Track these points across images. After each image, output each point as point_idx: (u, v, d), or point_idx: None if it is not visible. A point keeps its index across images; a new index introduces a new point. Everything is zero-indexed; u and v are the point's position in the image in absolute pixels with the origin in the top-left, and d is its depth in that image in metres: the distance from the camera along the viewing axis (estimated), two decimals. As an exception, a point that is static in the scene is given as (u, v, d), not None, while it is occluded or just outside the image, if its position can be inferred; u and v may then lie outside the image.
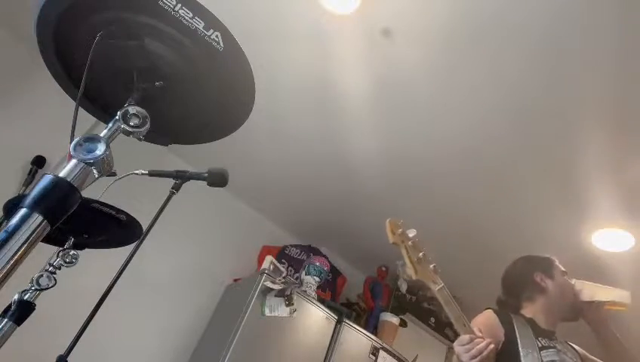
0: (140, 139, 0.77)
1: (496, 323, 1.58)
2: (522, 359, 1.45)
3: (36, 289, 1.25)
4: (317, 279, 2.93)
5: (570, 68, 1.83)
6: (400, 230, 1.43)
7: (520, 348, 1.48)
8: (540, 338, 1.56)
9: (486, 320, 1.62)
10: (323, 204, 3.20)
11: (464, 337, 1.23)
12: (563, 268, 1.75)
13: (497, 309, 1.67)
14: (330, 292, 3.28)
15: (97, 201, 1.30)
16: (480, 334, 1.24)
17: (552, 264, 1.77)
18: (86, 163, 0.65)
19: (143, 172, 1.49)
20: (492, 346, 1.21)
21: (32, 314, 1.25)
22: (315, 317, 2.77)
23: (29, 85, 2.63)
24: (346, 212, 3.18)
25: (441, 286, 1.29)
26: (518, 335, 1.52)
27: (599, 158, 2.14)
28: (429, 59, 2.00)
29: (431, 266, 1.32)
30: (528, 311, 1.66)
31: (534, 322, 1.63)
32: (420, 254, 1.35)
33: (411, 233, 1.41)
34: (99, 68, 0.77)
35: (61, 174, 0.64)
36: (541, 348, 1.52)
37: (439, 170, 2.55)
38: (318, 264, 3.01)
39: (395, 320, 3.17)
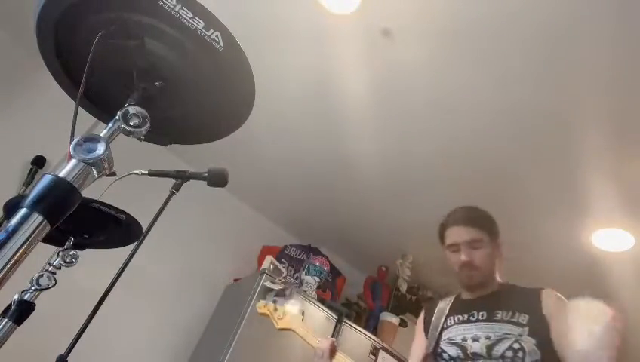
0: (140, 139, 0.77)
1: (420, 319, 1.67)
2: (425, 347, 1.54)
3: (36, 289, 1.25)
4: (317, 279, 2.93)
5: (571, 68, 1.83)
6: (264, 305, 1.87)
7: (428, 338, 1.55)
8: (450, 317, 1.53)
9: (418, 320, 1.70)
10: (323, 204, 3.20)
11: (316, 349, 1.65)
12: (448, 243, 1.59)
13: (430, 302, 1.69)
14: (330, 292, 3.28)
15: (97, 201, 1.30)
16: (319, 343, 1.65)
17: (443, 237, 1.63)
18: (86, 163, 0.65)
19: (143, 172, 1.49)
20: (332, 342, 1.63)
21: (32, 314, 1.25)
22: (315, 317, 2.77)
23: (29, 85, 2.63)
24: (346, 212, 3.18)
25: (299, 323, 1.77)
26: (431, 324, 1.57)
27: (599, 158, 2.14)
28: (428, 59, 2.00)
29: (288, 316, 1.80)
30: None
31: (458, 296, 1.61)
32: (281, 313, 1.82)
33: (272, 303, 1.86)
34: (99, 68, 0.77)
35: (61, 174, 0.63)
36: (444, 328, 1.51)
37: (439, 171, 2.55)
38: (318, 264, 3.01)
39: (395, 320, 3.17)
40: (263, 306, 1.84)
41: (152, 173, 1.51)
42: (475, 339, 1.40)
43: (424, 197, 2.77)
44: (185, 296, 2.95)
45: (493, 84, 2.00)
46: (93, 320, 1.35)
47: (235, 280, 3.09)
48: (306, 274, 2.96)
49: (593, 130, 2.03)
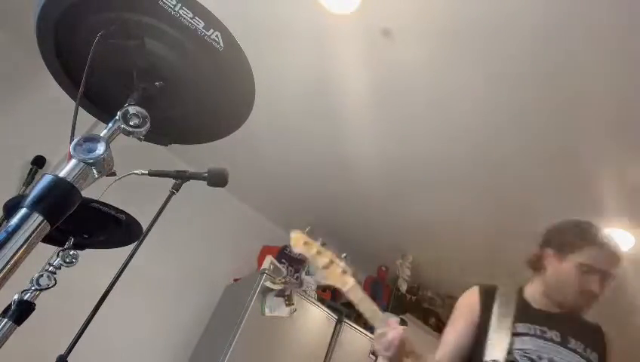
0: (140, 139, 0.77)
1: (474, 302, 1.48)
2: (487, 345, 1.35)
3: (36, 289, 1.25)
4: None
5: (571, 67, 1.83)
6: (304, 240, 1.44)
7: (490, 333, 1.38)
8: (521, 323, 1.39)
9: (463, 300, 1.54)
10: (323, 204, 3.20)
11: (376, 332, 1.23)
12: (590, 262, 1.38)
13: (487, 285, 1.52)
14: (330, 292, 3.27)
15: (97, 201, 1.30)
16: (393, 326, 1.21)
17: (577, 247, 1.42)
18: (86, 163, 0.65)
19: (143, 172, 1.49)
20: (400, 334, 1.19)
21: (32, 314, 1.25)
22: (315, 317, 2.77)
23: (29, 85, 2.63)
24: (346, 212, 3.18)
25: (350, 286, 1.27)
26: (493, 317, 1.41)
27: (600, 158, 2.14)
28: (428, 59, 2.00)
29: (339, 270, 1.32)
30: (529, 287, 1.50)
31: (527, 302, 1.46)
32: (327, 260, 1.35)
33: (317, 242, 1.42)
34: (99, 68, 0.77)
35: (61, 174, 0.63)
36: (516, 334, 1.36)
37: (439, 171, 2.55)
38: (318, 264, 3.00)
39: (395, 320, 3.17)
40: (300, 238, 1.43)
41: (152, 173, 1.51)
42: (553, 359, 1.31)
43: (424, 197, 2.77)
44: (185, 295, 2.95)
45: (493, 84, 2.00)
46: (93, 320, 1.35)
47: (235, 280, 3.09)
48: (306, 274, 2.96)
49: (594, 130, 2.03)
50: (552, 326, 1.36)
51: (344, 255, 1.39)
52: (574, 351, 1.31)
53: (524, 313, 1.41)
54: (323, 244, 1.39)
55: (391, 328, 1.20)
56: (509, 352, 1.33)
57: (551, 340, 1.34)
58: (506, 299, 1.46)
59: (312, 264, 1.36)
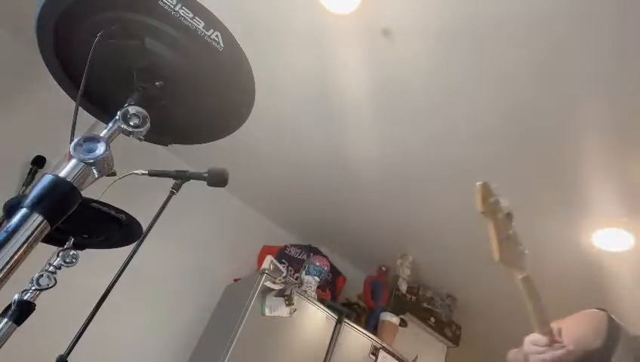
0: (140, 139, 0.77)
1: (599, 327, 1.25)
2: None
3: (36, 289, 1.25)
4: (317, 279, 2.93)
5: (571, 67, 1.83)
6: (493, 198, 1.12)
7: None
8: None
9: (591, 321, 1.29)
10: (323, 204, 3.20)
11: (542, 338, 1.02)
12: None
13: (612, 317, 1.30)
14: (330, 292, 3.28)
15: (97, 201, 1.30)
16: (560, 339, 1.02)
17: None
18: (86, 163, 0.65)
19: (143, 172, 1.49)
20: (570, 356, 0.99)
21: (32, 314, 1.25)
22: (315, 317, 2.77)
23: (29, 85, 2.63)
24: (346, 212, 3.18)
25: (526, 274, 1.08)
26: (616, 355, 1.19)
27: (599, 158, 2.14)
28: (429, 59, 2.00)
29: (520, 248, 1.10)
30: None
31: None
32: (510, 231, 1.09)
33: (505, 203, 1.12)
34: (99, 68, 0.77)
35: (61, 174, 0.63)
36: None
37: (439, 170, 2.55)
38: (318, 264, 3.01)
39: (395, 320, 3.17)
40: (488, 193, 1.09)
41: (152, 173, 1.51)
42: None
43: (424, 197, 2.77)
44: (185, 295, 2.95)
45: (492, 84, 2.00)
46: (93, 320, 1.35)
47: (235, 280, 3.09)
48: (306, 274, 2.96)
49: (593, 129, 2.03)
50: None
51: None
52: None
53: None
54: (510, 212, 1.10)
55: (553, 344, 1.01)
56: None
57: None
58: (630, 341, 1.25)
59: (493, 231, 1.07)
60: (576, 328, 1.21)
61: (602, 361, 1.17)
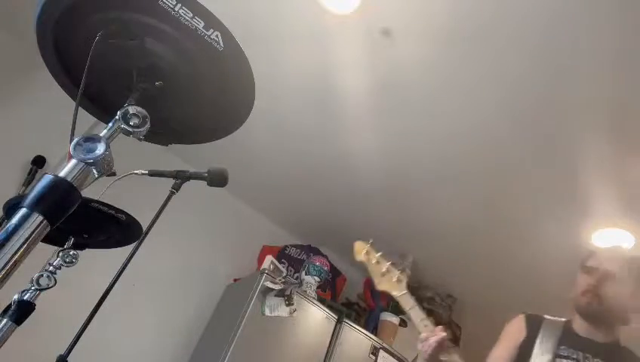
0: (140, 139, 0.77)
1: (519, 326, 1.56)
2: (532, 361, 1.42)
3: (36, 289, 1.25)
4: (317, 279, 2.93)
5: (571, 67, 1.83)
6: (365, 250, 1.59)
7: (534, 350, 1.44)
8: (564, 346, 1.41)
9: (509, 326, 1.63)
10: (323, 204, 3.19)
11: (421, 335, 1.35)
12: (589, 264, 1.48)
13: (533, 314, 1.58)
14: (330, 292, 3.28)
15: (97, 201, 1.30)
16: (436, 331, 1.34)
17: (586, 257, 1.53)
18: (86, 163, 0.65)
19: (143, 172, 1.49)
20: (441, 338, 1.30)
21: (32, 314, 1.25)
22: (315, 317, 2.77)
23: (29, 85, 2.63)
24: (346, 212, 3.18)
25: (403, 293, 1.47)
26: (539, 338, 1.46)
27: (599, 158, 2.14)
28: (429, 59, 2.00)
29: (394, 278, 1.50)
30: (578, 319, 1.50)
31: (570, 327, 1.48)
32: (384, 268, 1.51)
33: (377, 253, 1.57)
34: (99, 68, 0.77)
35: (61, 174, 0.63)
36: (558, 356, 1.40)
37: (439, 170, 2.55)
38: (318, 264, 3.01)
39: (395, 320, 3.17)
40: (362, 248, 1.56)
41: (152, 173, 1.51)
42: None
43: (424, 197, 2.77)
44: (185, 295, 2.95)
45: (492, 84, 2.00)
46: (93, 320, 1.35)
47: (235, 280, 3.09)
48: (306, 274, 2.96)
49: (594, 129, 2.03)
50: (596, 354, 1.37)
51: (401, 268, 1.60)
52: None
53: (569, 338, 1.44)
54: (382, 255, 1.55)
55: (434, 334, 1.32)
56: None
57: None
58: (553, 325, 1.52)
59: (371, 272, 1.53)
60: (505, 330, 1.58)
61: (530, 346, 1.46)
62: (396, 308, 3.31)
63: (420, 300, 3.46)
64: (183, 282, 2.96)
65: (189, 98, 0.88)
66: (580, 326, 1.47)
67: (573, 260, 2.73)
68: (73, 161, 0.65)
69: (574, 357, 1.39)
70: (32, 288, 1.25)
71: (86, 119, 0.91)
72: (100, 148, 0.67)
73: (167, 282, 2.89)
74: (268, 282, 2.62)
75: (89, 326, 1.34)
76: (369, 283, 3.42)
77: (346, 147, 2.63)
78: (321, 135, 2.60)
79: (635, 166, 2.11)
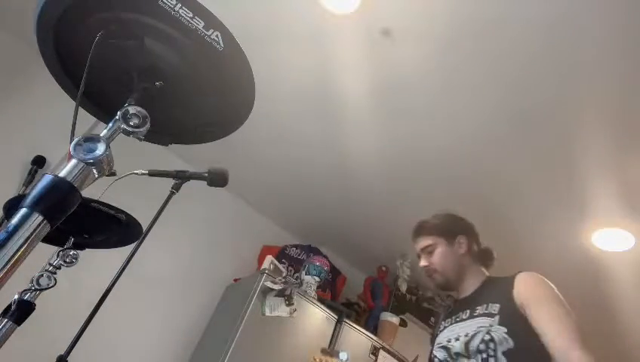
0: (140, 139, 0.77)
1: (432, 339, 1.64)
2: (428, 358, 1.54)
3: (36, 289, 1.25)
4: (317, 279, 2.93)
5: (571, 68, 1.83)
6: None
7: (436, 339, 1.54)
8: (442, 322, 1.53)
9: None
10: (323, 204, 3.19)
11: None
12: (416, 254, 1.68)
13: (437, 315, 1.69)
14: (330, 292, 3.27)
15: (97, 201, 1.30)
16: None
17: None
18: (86, 163, 0.65)
19: (143, 172, 1.49)
20: None
21: (32, 314, 1.25)
22: (315, 317, 2.77)
23: (29, 85, 2.63)
24: (346, 212, 3.18)
25: None
26: (436, 332, 1.57)
27: (599, 158, 2.14)
28: (429, 60, 2.00)
29: None
30: None
31: (455, 299, 1.58)
32: None
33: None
34: (99, 68, 0.77)
35: (61, 174, 0.63)
36: (436, 336, 1.53)
37: (439, 170, 2.55)
38: (318, 264, 3.00)
39: (395, 320, 3.17)
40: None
41: (152, 173, 1.51)
42: (457, 339, 1.39)
43: (424, 197, 2.77)
44: (185, 296, 2.95)
45: (492, 84, 2.00)
46: (93, 320, 1.35)
47: (235, 280, 3.09)
48: (306, 274, 2.96)
49: (593, 129, 2.03)
50: (464, 307, 1.47)
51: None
52: (478, 315, 1.38)
53: (448, 312, 1.56)
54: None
55: None
56: (431, 352, 1.51)
57: (461, 320, 1.43)
58: (443, 312, 1.62)
59: None
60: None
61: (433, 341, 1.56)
62: (396, 308, 3.31)
63: (420, 300, 3.48)
64: (183, 282, 2.96)
65: (189, 98, 0.88)
66: (458, 293, 1.58)
67: (573, 260, 2.74)
68: (73, 161, 0.65)
69: (448, 324, 1.51)
70: (32, 288, 1.25)
71: (86, 119, 0.91)
72: (100, 148, 0.67)
73: (167, 282, 2.89)
74: (268, 282, 2.62)
75: (89, 326, 1.35)
76: (369, 283, 3.42)
77: (346, 147, 2.63)
78: (321, 135, 2.60)
79: (636, 166, 2.11)
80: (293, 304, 2.63)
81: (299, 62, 2.21)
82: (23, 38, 2.61)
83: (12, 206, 1.31)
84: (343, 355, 1.59)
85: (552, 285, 1.39)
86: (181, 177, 1.58)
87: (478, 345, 1.30)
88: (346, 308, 3.09)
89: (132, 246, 1.48)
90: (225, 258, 3.20)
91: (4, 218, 1.49)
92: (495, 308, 1.35)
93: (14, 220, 0.58)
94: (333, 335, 2.79)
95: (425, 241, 1.62)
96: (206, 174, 1.58)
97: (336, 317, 2.85)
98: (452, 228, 1.62)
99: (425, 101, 2.19)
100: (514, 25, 1.76)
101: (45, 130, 2.59)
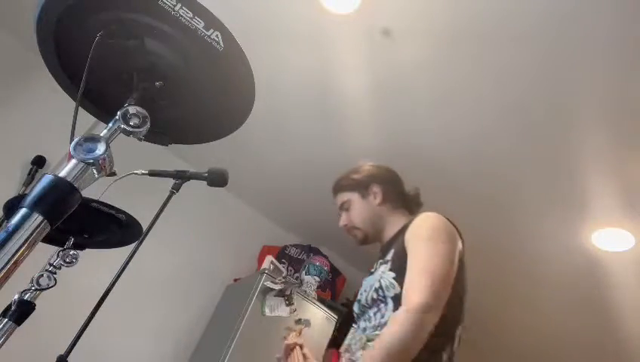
0: (140, 139, 0.77)
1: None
2: None
3: (36, 289, 1.25)
4: (317, 279, 2.93)
5: (571, 67, 1.83)
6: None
7: None
8: (368, 271, 1.46)
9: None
10: (323, 204, 3.18)
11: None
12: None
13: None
14: (330, 292, 3.27)
15: (97, 201, 1.30)
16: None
17: None
18: (86, 163, 0.65)
19: (143, 172, 1.49)
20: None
21: (32, 314, 1.25)
22: (315, 317, 2.77)
23: (29, 85, 2.63)
24: (346, 212, 3.17)
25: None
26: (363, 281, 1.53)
27: (599, 158, 2.14)
28: (429, 59, 2.00)
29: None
30: None
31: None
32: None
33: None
34: (99, 68, 0.77)
35: (61, 174, 0.63)
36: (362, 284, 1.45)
37: (439, 170, 2.55)
38: (318, 264, 3.01)
39: (395, 320, 3.16)
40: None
41: (152, 173, 1.51)
42: (365, 290, 1.35)
43: (424, 197, 2.76)
44: (185, 295, 2.95)
45: (492, 83, 2.00)
46: (93, 320, 1.35)
47: (235, 280, 3.09)
48: (306, 274, 2.96)
49: (593, 128, 2.03)
50: (379, 256, 1.42)
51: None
52: (381, 264, 1.33)
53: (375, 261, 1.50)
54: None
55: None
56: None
57: (371, 273, 1.38)
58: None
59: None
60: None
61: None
62: (396, 308, 3.31)
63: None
64: (183, 282, 2.96)
65: (189, 98, 0.88)
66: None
67: (573, 260, 2.74)
68: (73, 161, 0.65)
69: (366, 276, 1.44)
70: (32, 288, 1.25)
71: (86, 119, 0.91)
72: (100, 148, 0.67)
73: (167, 282, 2.89)
74: (268, 282, 2.62)
75: (89, 326, 1.34)
76: (369, 283, 3.42)
77: (345, 146, 2.63)
78: (321, 135, 2.60)
79: (635, 166, 2.11)
80: (293, 304, 2.63)
81: (299, 62, 2.21)
82: (22, 38, 2.61)
83: (12, 206, 1.31)
84: (306, 322, 1.69)
85: (440, 226, 1.32)
86: (181, 177, 1.58)
87: (371, 293, 1.28)
88: (345, 308, 3.09)
89: (132, 246, 1.48)
90: (225, 258, 3.21)
91: (4, 218, 1.49)
92: (390, 254, 1.32)
93: (14, 220, 0.58)
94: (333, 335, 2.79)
95: (340, 199, 1.58)
96: (206, 174, 1.58)
97: (336, 317, 2.85)
98: (364, 179, 1.56)
99: (425, 100, 2.19)
100: (514, 24, 1.76)
101: (45, 130, 2.59)
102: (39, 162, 2.53)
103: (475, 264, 3.31)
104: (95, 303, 1.36)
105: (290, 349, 1.49)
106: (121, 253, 1.48)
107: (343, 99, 2.32)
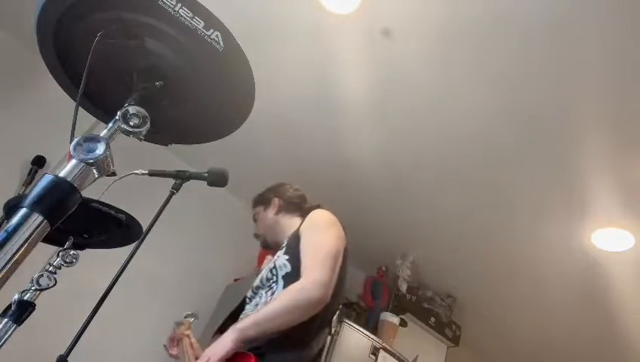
0: (140, 139, 0.77)
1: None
2: None
3: (36, 289, 1.25)
4: (317, 279, 2.93)
5: (571, 67, 1.83)
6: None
7: None
8: None
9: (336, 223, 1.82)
10: (323, 204, 3.19)
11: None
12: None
13: None
14: (330, 292, 3.27)
15: (97, 201, 1.30)
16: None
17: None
18: (86, 163, 0.65)
19: (143, 172, 1.49)
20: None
21: (32, 314, 1.25)
22: (315, 317, 2.76)
23: (29, 85, 2.63)
24: (347, 212, 3.16)
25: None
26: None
27: (599, 158, 2.14)
28: (429, 59, 2.00)
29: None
30: None
31: None
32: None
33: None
34: (99, 68, 0.77)
35: (61, 174, 0.63)
36: None
37: (439, 170, 2.55)
38: (318, 264, 3.00)
39: (395, 320, 3.17)
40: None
41: (152, 173, 1.51)
42: (260, 276, 1.51)
43: (424, 196, 2.77)
44: (185, 295, 2.95)
45: (492, 84, 2.00)
46: (93, 320, 1.35)
47: (235, 280, 3.09)
48: (306, 274, 2.95)
49: (593, 128, 2.03)
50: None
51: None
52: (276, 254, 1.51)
53: None
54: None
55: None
56: None
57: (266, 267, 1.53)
58: None
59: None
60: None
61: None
62: (396, 308, 3.31)
63: (420, 300, 3.49)
64: (183, 282, 2.96)
65: (189, 98, 0.88)
66: None
67: (574, 260, 2.74)
68: (73, 161, 0.65)
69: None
70: (32, 288, 1.25)
71: (86, 119, 0.91)
72: (100, 148, 0.67)
73: (167, 282, 2.89)
74: (268, 282, 2.61)
75: (89, 326, 1.34)
76: (369, 283, 3.42)
77: (345, 146, 2.63)
78: (321, 135, 2.60)
79: (635, 165, 2.11)
80: (293, 304, 2.63)
81: (299, 62, 2.21)
82: (22, 38, 2.61)
83: (12, 206, 1.31)
84: (194, 315, 1.84)
85: (330, 218, 1.63)
86: (181, 177, 1.58)
87: (267, 275, 1.45)
88: (345, 308, 3.09)
89: (132, 246, 1.48)
90: (225, 258, 3.20)
91: (4, 218, 1.49)
92: (285, 241, 1.52)
93: (14, 220, 0.58)
94: (333, 335, 2.79)
95: (253, 212, 1.80)
96: (206, 174, 1.58)
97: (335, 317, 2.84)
98: (268, 194, 1.79)
99: (425, 100, 2.19)
100: (514, 25, 1.76)
101: (45, 130, 2.59)
102: (39, 162, 2.53)
103: (475, 264, 3.32)
104: (95, 303, 1.36)
105: (178, 340, 1.65)
106: (121, 253, 1.48)
107: (343, 99, 2.32)
